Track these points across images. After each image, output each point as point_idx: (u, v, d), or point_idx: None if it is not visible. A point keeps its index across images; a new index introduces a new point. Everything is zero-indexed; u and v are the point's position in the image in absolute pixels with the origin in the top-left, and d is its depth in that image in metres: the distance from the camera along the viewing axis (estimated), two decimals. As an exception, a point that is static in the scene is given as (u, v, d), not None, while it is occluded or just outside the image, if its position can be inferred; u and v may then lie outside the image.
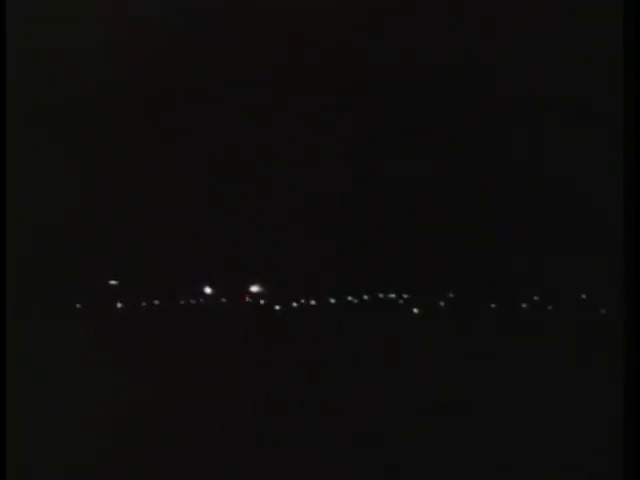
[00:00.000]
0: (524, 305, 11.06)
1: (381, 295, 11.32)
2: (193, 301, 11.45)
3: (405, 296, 11.28)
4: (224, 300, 11.45)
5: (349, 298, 11.38)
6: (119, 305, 11.38)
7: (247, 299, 11.45)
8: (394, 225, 11.33)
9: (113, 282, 11.41)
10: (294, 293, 11.44)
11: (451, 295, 11.25)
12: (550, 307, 11.00)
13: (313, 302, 11.42)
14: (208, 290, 11.45)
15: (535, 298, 11.06)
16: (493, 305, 11.12)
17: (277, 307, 11.41)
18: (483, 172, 11.19)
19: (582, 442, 9.97)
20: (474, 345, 10.90)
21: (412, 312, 11.20)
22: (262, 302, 11.44)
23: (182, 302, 11.41)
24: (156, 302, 11.40)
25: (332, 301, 11.37)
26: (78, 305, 11.38)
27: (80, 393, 10.70)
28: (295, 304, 11.41)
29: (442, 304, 11.22)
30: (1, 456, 9.09)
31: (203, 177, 11.40)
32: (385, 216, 11.34)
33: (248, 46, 11.40)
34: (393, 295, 11.31)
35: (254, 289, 11.45)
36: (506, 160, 11.16)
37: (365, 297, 11.37)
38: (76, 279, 11.41)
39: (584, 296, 10.90)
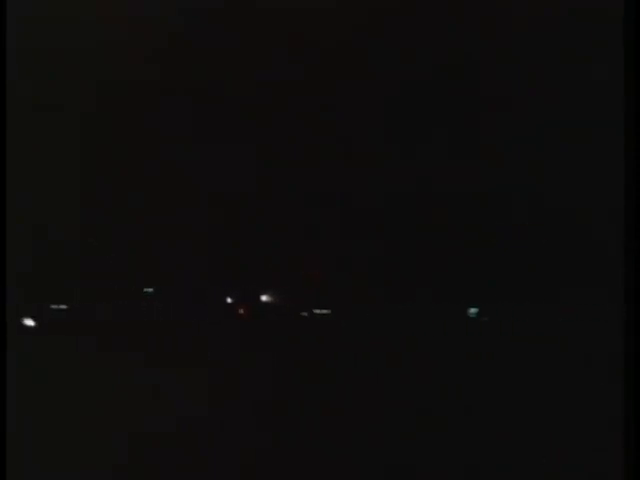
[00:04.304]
0: (524, 305, 11.06)
1: (381, 295, 11.33)
2: (194, 301, 11.46)
3: (405, 296, 11.29)
4: (224, 300, 11.46)
5: (350, 299, 11.39)
6: (119, 305, 11.38)
7: (247, 299, 11.47)
8: (394, 225, 11.34)
9: (113, 282, 11.42)
10: (294, 293, 11.45)
11: (451, 295, 11.25)
12: (550, 307, 11.00)
13: (313, 301, 11.42)
14: (208, 291, 11.46)
15: (534, 298, 11.07)
16: (493, 305, 11.12)
17: (277, 307, 11.42)
18: (482, 172, 11.20)
19: (582, 442, 9.97)
20: (473, 345, 10.90)
21: (412, 312, 11.21)
22: (262, 302, 11.44)
23: (182, 302, 11.41)
24: (156, 302, 11.41)
25: (332, 301, 11.38)
26: (78, 305, 11.38)
27: (80, 394, 10.71)
28: (295, 304, 11.43)
29: (442, 304, 11.23)
30: (1, 456, 9.08)
31: (203, 177, 11.41)
32: (385, 216, 11.35)
33: (248, 46, 11.41)
34: (393, 295, 11.31)
35: (254, 289, 11.46)
36: (505, 160, 11.17)
37: (365, 297, 11.38)
38: (76, 279, 11.41)
39: (584, 296, 10.90)
